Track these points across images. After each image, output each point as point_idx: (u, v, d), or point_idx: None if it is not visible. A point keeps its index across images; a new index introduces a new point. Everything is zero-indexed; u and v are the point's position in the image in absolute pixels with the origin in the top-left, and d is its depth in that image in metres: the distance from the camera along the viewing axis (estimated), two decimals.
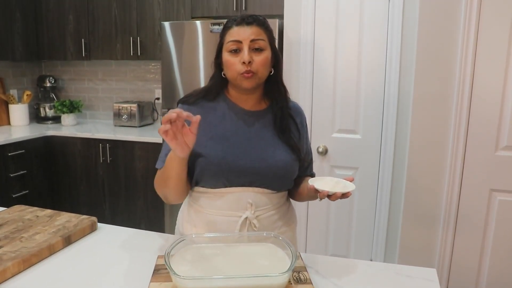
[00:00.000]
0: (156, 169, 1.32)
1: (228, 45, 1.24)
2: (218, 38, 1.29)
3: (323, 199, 1.16)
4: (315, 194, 1.17)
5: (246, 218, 1.27)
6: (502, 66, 2.09)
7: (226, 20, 2.83)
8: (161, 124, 1.06)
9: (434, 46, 2.18)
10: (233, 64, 1.23)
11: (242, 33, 1.22)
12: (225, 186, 1.27)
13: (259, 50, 1.23)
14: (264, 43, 1.24)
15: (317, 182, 1.18)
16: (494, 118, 2.14)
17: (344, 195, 1.13)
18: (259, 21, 1.25)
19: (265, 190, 1.29)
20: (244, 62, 1.21)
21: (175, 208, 1.51)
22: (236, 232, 1.27)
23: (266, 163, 1.26)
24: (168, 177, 1.22)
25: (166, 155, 1.27)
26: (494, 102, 2.13)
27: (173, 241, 1.12)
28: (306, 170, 1.42)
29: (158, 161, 1.32)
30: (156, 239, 1.38)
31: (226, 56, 1.25)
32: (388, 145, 2.52)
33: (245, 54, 1.21)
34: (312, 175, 1.45)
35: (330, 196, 1.14)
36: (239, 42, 1.22)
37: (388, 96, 2.46)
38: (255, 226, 1.28)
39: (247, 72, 1.22)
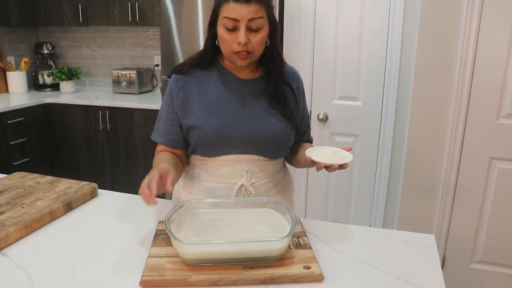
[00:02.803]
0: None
1: (223, 21, 1.16)
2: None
3: (320, 170, 1.15)
4: (312, 165, 1.16)
5: (242, 185, 1.28)
6: (507, 34, 2.05)
7: None
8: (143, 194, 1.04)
9: (437, 13, 2.14)
10: (228, 42, 1.18)
11: (239, 11, 1.13)
12: (221, 155, 1.27)
13: (256, 30, 1.17)
14: (262, 21, 1.17)
15: (314, 153, 1.16)
16: (497, 86, 2.12)
17: (342, 167, 1.12)
18: None
19: (261, 158, 1.29)
20: (239, 43, 1.16)
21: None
22: (236, 197, 1.27)
23: (261, 133, 1.25)
24: None
25: (164, 128, 1.29)
26: (497, 70, 2.10)
27: (173, 206, 1.13)
28: (303, 136, 1.41)
29: (154, 133, 1.32)
30: (158, 204, 1.39)
31: (221, 31, 1.19)
32: (388, 113, 2.51)
33: (241, 35, 1.15)
34: (310, 141, 1.44)
35: (327, 168, 1.13)
36: (236, 20, 1.14)
37: (390, 64, 2.44)
38: (250, 193, 1.29)
39: (243, 51, 1.18)
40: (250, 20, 1.14)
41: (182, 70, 1.30)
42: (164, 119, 1.31)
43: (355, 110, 2.61)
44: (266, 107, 1.28)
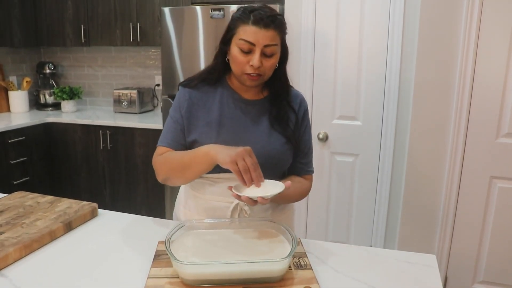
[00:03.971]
0: (156, 147, 1.31)
1: (239, 42, 1.18)
2: (228, 23, 1.24)
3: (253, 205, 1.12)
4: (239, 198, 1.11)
5: (238, 204, 1.28)
6: (505, 53, 2.07)
7: (228, 6, 2.82)
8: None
9: (436, 33, 2.16)
10: (241, 63, 1.20)
11: (257, 35, 1.16)
12: (218, 172, 1.26)
13: (270, 55, 1.20)
14: (276, 48, 1.20)
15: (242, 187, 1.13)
16: (496, 105, 2.13)
17: (257, 200, 1.07)
18: (277, 24, 1.18)
19: None
20: (252, 65, 1.19)
21: (176, 194, 1.52)
22: (237, 218, 1.28)
23: (258, 151, 1.23)
24: (188, 169, 1.20)
25: (171, 133, 1.28)
26: (496, 89, 2.11)
27: (173, 226, 1.13)
28: (305, 167, 1.39)
29: (162, 138, 1.31)
30: (156, 225, 1.39)
31: (235, 51, 1.21)
32: (388, 132, 2.51)
33: (256, 60, 1.18)
34: (309, 172, 1.41)
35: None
36: (252, 44, 1.17)
37: (389, 83, 2.45)
38: (246, 213, 1.28)
39: (254, 74, 1.21)
40: (266, 46, 1.17)
41: (190, 84, 1.32)
42: (171, 123, 1.31)
43: (355, 130, 2.61)
44: (267, 127, 1.29)
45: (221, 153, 1.10)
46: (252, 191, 1.09)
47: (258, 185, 1.08)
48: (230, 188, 1.11)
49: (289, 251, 1.03)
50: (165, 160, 1.26)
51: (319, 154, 2.67)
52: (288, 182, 1.14)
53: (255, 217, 1.28)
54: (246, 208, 1.29)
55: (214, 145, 1.16)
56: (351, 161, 2.66)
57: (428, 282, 1.06)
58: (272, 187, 1.12)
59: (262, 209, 1.33)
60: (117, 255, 1.18)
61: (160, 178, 1.29)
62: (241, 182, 1.08)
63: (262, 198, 1.07)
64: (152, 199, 3.33)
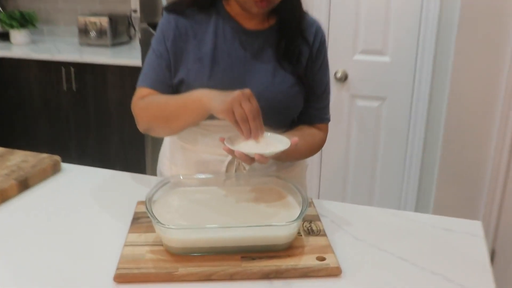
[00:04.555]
0: (135, 88, 1.31)
1: None
2: None
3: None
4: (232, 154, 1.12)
5: (234, 158, 1.28)
6: None
7: None
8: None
9: None
10: None
11: None
12: (211, 118, 1.26)
13: None
14: None
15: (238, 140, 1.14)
16: None
17: (255, 158, 1.08)
18: None
19: None
20: None
21: (159, 145, 1.52)
22: (235, 173, 1.29)
23: (261, 94, 1.23)
24: (175, 119, 1.21)
25: (155, 71, 1.28)
26: None
27: (156, 183, 1.13)
28: (319, 113, 1.39)
29: (143, 77, 1.31)
30: (135, 181, 1.40)
31: None
32: (424, 71, 2.49)
33: None
34: (325, 120, 1.41)
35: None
36: None
37: (427, 9, 2.40)
38: (244, 169, 1.30)
39: (262, 1, 1.18)
40: None
41: (177, 9, 1.30)
42: (154, 59, 1.30)
43: (382, 67, 2.58)
44: (273, 65, 1.28)
45: (215, 99, 1.09)
46: (249, 146, 1.09)
47: (256, 138, 1.08)
48: (222, 140, 1.11)
49: (299, 213, 1.03)
50: (146, 106, 1.26)
51: (336, 97, 2.65)
52: (295, 138, 1.14)
53: (256, 173, 1.29)
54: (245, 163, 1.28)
55: (207, 90, 1.15)
56: (376, 107, 2.66)
57: (472, 254, 1.07)
58: (275, 143, 1.12)
59: (265, 165, 1.32)
60: (85, 220, 1.18)
61: (141, 127, 1.30)
62: (240, 133, 1.08)
63: (261, 155, 1.07)
64: (130, 152, 3.35)
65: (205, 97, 1.12)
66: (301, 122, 1.38)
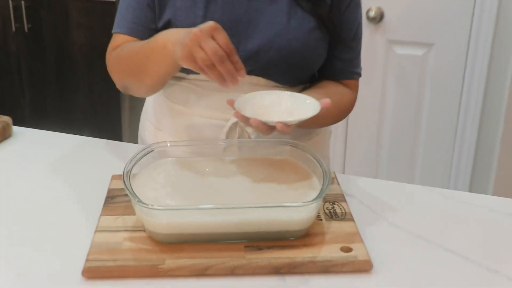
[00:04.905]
0: (112, 34, 1.32)
1: None
2: None
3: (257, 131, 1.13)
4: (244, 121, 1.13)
5: (237, 123, 1.29)
6: None
7: None
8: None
9: None
10: None
11: None
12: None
13: None
14: None
15: (252, 98, 1.15)
16: None
17: (267, 127, 1.08)
18: None
19: (270, 83, 1.29)
20: None
21: (140, 105, 1.51)
22: (235, 139, 1.29)
23: (271, 43, 1.24)
24: (145, 71, 1.21)
25: (132, 11, 1.29)
26: None
27: (136, 153, 1.12)
28: (348, 66, 1.39)
29: (118, 21, 1.31)
30: (109, 150, 1.41)
31: None
32: (486, 8, 2.44)
33: None
34: (355, 75, 1.41)
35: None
36: None
37: None
38: (249, 137, 1.30)
39: None
40: None
41: None
42: (130, 2, 1.30)
43: (428, 4, 2.53)
44: (287, 3, 1.26)
45: (178, 43, 1.07)
46: (267, 111, 1.10)
47: (234, 83, 1.06)
48: (230, 103, 1.11)
49: (318, 191, 1.02)
50: (118, 58, 1.28)
51: (368, 43, 2.59)
52: (326, 100, 1.13)
53: (265, 140, 1.28)
54: (250, 129, 1.29)
55: (174, 31, 1.14)
56: (421, 56, 2.63)
57: None
58: (299, 106, 1.12)
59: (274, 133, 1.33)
60: (44, 199, 1.18)
61: (117, 85, 1.32)
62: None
63: (284, 124, 1.06)
64: (101, 112, 3.32)
65: (169, 42, 1.11)
66: (323, 78, 1.38)
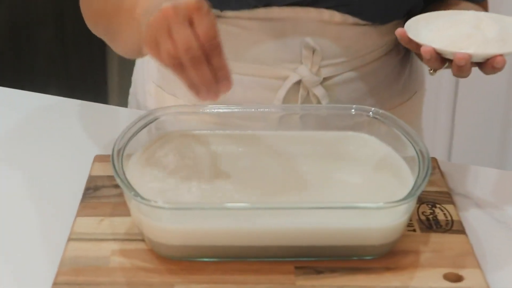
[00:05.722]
0: None
1: None
2: None
3: (435, 69, 1.16)
4: (415, 48, 1.18)
5: (300, 81, 1.31)
6: None
7: None
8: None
9: None
10: None
11: None
12: (249, 7, 1.29)
13: None
14: None
15: (430, 23, 1.17)
16: None
17: (488, 63, 1.09)
18: None
19: (347, 18, 1.31)
20: None
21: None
22: (287, 104, 1.31)
23: None
24: (117, 35, 1.27)
25: None
26: None
27: (132, 123, 1.11)
28: None
29: None
30: (89, 116, 1.45)
31: None
32: None
33: None
34: None
35: (450, 62, 1.12)
36: None
37: None
38: (319, 101, 1.32)
39: None
40: None
41: None
42: None
43: None
44: None
45: (146, 14, 1.04)
46: (461, 37, 1.11)
47: (212, 97, 1.02)
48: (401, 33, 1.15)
49: (410, 186, 0.98)
50: (89, 5, 1.34)
51: None
52: None
53: (339, 107, 1.29)
54: (319, 91, 1.32)
55: None
56: None
57: None
58: (490, 29, 1.13)
59: (355, 95, 1.37)
60: None
61: (105, 40, 1.39)
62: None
63: (503, 58, 1.08)
64: (76, 64, 3.44)
65: (139, 6, 1.10)
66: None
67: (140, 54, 1.25)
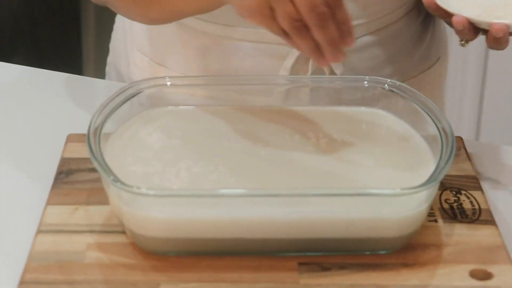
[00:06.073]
0: None
1: None
2: None
3: (468, 40, 1.18)
4: (445, 16, 1.19)
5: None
6: None
7: None
8: None
9: None
10: None
11: None
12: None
13: None
14: None
15: None
16: None
17: None
18: None
19: None
20: None
21: (111, 18, 1.51)
22: (293, 76, 1.32)
23: None
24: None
25: None
26: None
27: (112, 96, 1.11)
28: None
29: None
30: (61, 88, 1.46)
31: None
32: None
33: None
34: None
35: (485, 32, 1.14)
36: None
37: None
38: (333, 72, 1.33)
39: None
40: None
41: None
42: None
43: None
44: None
45: None
46: (498, 5, 1.15)
47: (338, 58, 1.05)
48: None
49: (432, 170, 0.98)
50: None
51: None
52: None
53: (353, 79, 1.30)
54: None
55: None
56: None
57: None
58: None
59: (372, 62, 1.40)
60: None
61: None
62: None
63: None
64: (45, 32, 3.47)
65: None
66: None
67: (181, 17, 1.28)
